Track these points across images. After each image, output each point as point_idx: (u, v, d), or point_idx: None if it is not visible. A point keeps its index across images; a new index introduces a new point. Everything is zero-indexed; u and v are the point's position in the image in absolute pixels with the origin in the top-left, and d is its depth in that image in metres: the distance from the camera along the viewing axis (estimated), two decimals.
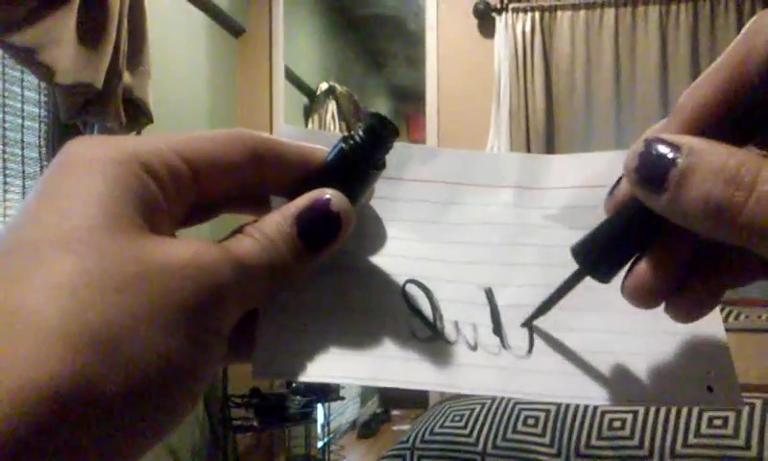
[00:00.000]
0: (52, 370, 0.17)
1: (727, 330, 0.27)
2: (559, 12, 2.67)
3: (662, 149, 0.21)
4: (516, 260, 0.28)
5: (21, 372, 0.16)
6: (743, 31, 0.21)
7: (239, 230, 0.23)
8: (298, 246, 0.23)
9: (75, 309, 0.18)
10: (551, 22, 2.67)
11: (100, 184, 0.20)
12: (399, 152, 0.28)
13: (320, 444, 3.09)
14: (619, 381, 0.26)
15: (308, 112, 3.39)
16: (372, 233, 0.28)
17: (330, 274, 0.26)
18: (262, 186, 0.25)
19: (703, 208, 0.20)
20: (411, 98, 4.21)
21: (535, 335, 0.27)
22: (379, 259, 0.27)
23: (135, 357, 0.18)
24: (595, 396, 0.25)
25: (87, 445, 0.17)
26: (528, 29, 2.66)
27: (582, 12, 2.65)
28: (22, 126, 1.73)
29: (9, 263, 0.18)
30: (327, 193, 0.24)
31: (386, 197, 0.28)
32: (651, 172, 0.21)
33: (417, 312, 0.27)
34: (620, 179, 0.25)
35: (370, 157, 0.25)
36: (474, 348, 0.26)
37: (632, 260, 0.24)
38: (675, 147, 0.21)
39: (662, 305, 0.24)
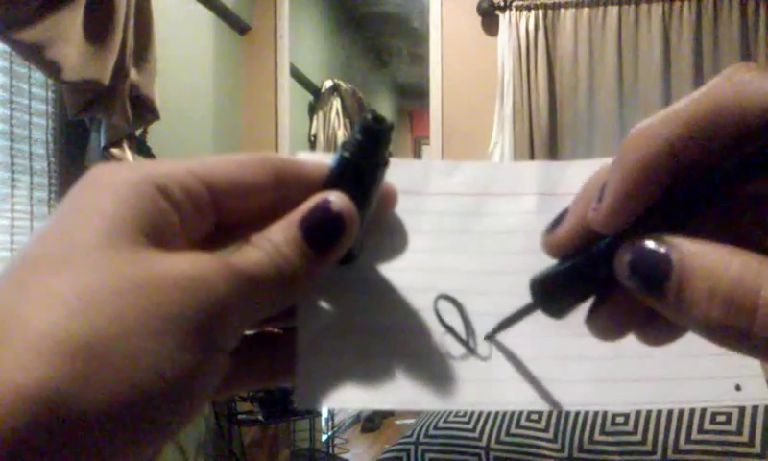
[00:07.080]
0: (39, 376, 0.17)
1: None
2: (562, 10, 2.67)
3: (653, 256, 0.20)
4: (543, 267, 0.28)
5: (8, 377, 0.17)
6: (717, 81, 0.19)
7: (246, 241, 0.23)
8: (305, 250, 0.23)
9: (65, 319, 0.18)
10: (554, 19, 2.67)
11: (106, 204, 0.21)
12: (422, 167, 0.29)
13: (324, 437, 3.10)
14: (648, 386, 0.26)
15: (313, 110, 3.39)
16: (400, 248, 0.28)
17: (362, 293, 0.27)
18: (286, 209, 0.25)
19: (705, 328, 0.19)
20: (415, 95, 4.21)
21: (565, 342, 0.26)
22: (409, 275, 0.27)
23: (124, 368, 0.18)
24: (623, 402, 0.25)
25: (70, 453, 0.17)
26: (531, 26, 2.66)
27: (585, 10, 2.65)
28: (29, 122, 1.73)
29: (11, 276, 0.20)
30: (330, 195, 0.24)
31: (411, 211, 0.28)
32: (648, 282, 0.20)
33: (450, 329, 0.27)
34: (560, 216, 0.24)
35: (370, 155, 0.25)
36: (508, 361, 0.26)
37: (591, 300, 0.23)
38: (665, 254, 0.20)
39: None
